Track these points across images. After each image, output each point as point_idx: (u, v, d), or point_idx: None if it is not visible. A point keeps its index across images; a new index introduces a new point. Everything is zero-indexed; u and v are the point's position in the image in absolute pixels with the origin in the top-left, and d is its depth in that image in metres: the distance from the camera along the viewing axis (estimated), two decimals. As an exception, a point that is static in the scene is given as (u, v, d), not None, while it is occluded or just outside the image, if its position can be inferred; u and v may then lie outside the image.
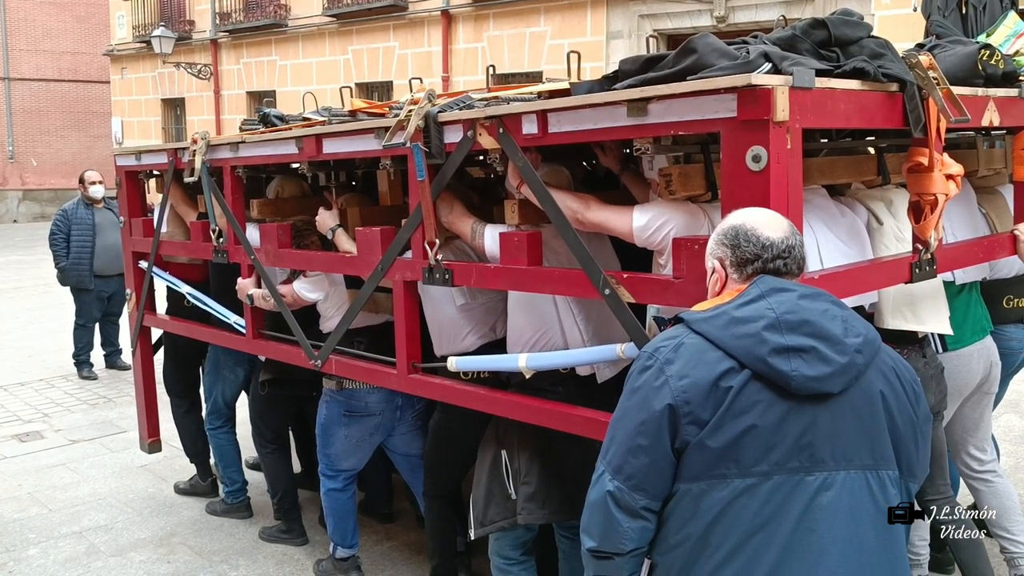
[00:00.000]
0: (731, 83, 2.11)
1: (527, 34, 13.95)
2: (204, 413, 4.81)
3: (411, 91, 4.17)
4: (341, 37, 16.79)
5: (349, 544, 3.96)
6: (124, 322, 7.61)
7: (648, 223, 2.47)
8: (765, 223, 1.84)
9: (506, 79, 14.64)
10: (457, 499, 3.70)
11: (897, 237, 2.91)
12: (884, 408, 1.73)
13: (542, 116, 2.56)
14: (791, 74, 2.16)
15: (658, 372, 1.72)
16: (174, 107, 20.77)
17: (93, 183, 7.69)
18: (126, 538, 4.53)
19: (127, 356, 7.90)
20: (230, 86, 19.08)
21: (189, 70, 19.13)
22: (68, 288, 7.84)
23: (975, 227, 3.30)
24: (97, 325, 7.96)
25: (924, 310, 2.94)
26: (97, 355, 8.03)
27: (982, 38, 3.36)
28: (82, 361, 7.87)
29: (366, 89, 16.66)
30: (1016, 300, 3.60)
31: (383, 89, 16.43)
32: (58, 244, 7.61)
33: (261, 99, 18.48)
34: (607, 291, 2.46)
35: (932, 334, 3.19)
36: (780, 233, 1.82)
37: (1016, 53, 3.19)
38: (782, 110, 2.08)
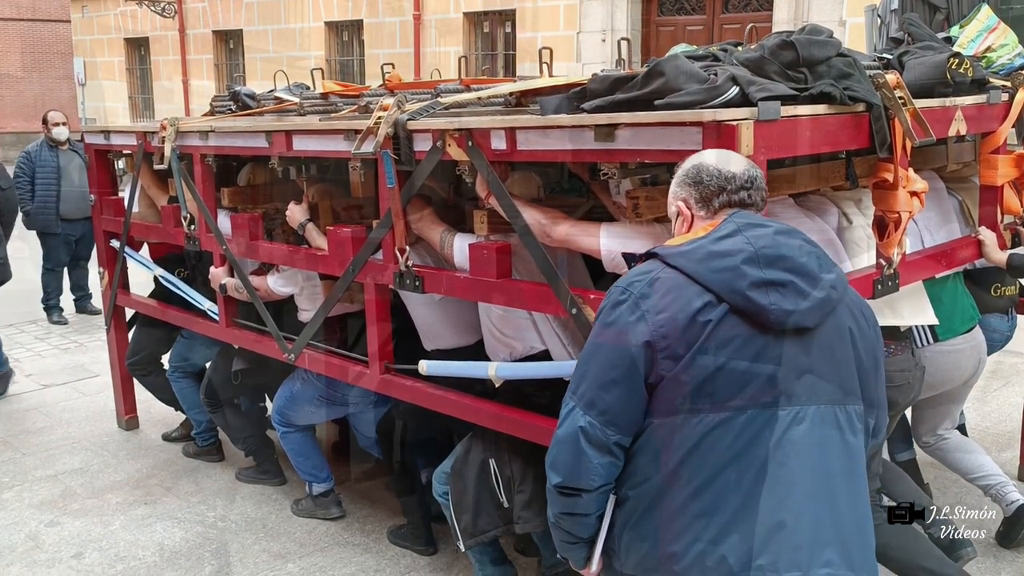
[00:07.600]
0: (697, 117, 2.13)
1: (500, -30, 13.67)
2: (169, 366, 4.77)
3: (383, 76, 4.15)
4: (310, -27, 16.34)
5: (323, 478, 3.99)
6: (93, 266, 7.45)
7: (614, 248, 2.48)
8: (724, 158, 1.86)
9: (479, 17, 14.41)
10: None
11: (868, 235, 2.93)
12: (852, 344, 1.75)
13: (511, 133, 2.56)
14: (756, 104, 2.18)
15: (633, 307, 1.70)
16: (138, 47, 20.17)
17: (57, 124, 7.45)
18: (102, 480, 4.50)
19: (97, 300, 7.77)
20: (195, 25, 18.55)
21: (152, 8, 18.53)
22: (34, 232, 7.68)
23: (947, 220, 3.30)
24: (66, 269, 7.86)
25: (902, 305, 2.97)
26: (67, 300, 7.92)
27: (955, 30, 3.35)
28: (52, 306, 7.78)
29: (336, 29, 16.30)
30: (1004, 288, 3.60)
31: (353, 28, 16.06)
32: (22, 187, 7.37)
33: (227, 39, 18.05)
34: (574, 311, 2.49)
35: (922, 329, 3.23)
36: (741, 166, 1.84)
37: (987, 50, 3.19)
38: (746, 145, 2.10)
